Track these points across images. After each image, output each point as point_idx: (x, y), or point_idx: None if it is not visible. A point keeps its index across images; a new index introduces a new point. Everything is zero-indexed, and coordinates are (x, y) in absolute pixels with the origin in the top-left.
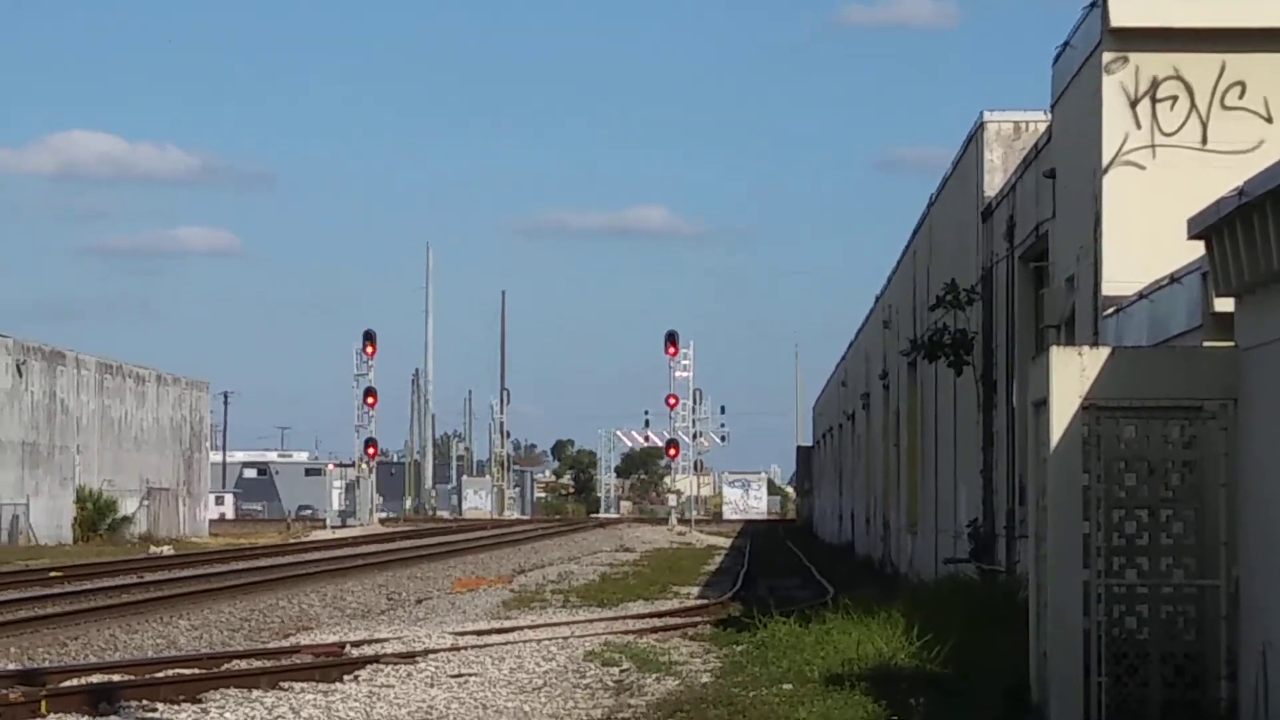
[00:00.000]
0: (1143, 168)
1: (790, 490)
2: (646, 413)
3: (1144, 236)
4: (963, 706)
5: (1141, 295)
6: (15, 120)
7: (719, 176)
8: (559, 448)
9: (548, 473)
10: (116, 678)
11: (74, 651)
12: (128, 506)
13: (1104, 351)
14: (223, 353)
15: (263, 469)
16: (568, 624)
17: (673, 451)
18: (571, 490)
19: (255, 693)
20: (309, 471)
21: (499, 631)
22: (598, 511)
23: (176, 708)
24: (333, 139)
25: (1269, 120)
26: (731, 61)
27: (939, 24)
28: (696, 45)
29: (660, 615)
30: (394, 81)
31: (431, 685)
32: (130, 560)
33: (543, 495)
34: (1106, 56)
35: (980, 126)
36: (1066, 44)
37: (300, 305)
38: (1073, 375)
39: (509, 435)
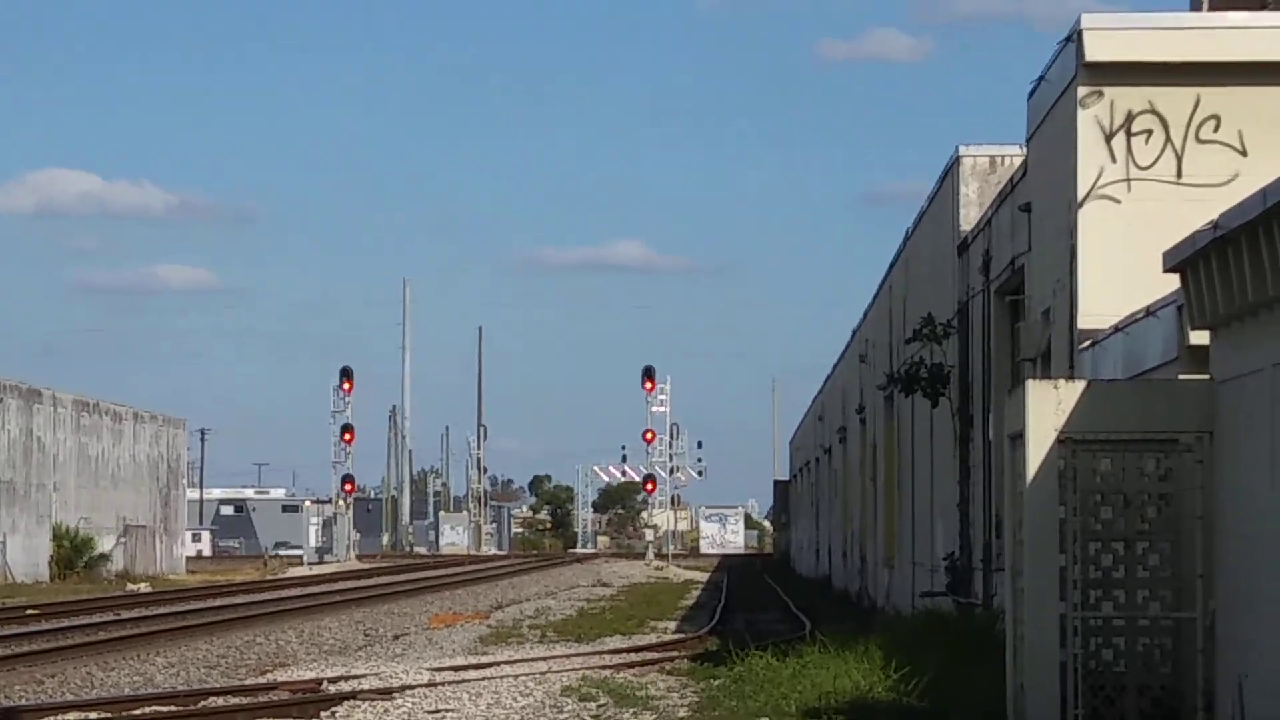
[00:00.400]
0: (1118, 201)
1: (767, 524)
2: (624, 448)
3: (1120, 270)
4: None
5: (1117, 328)
6: None
7: (698, 211)
8: (536, 483)
9: (525, 508)
10: (94, 716)
11: (51, 690)
12: (105, 544)
13: (1080, 385)
14: (200, 390)
15: (240, 506)
16: (545, 659)
17: (650, 486)
18: (549, 525)
19: None
20: (286, 508)
21: (476, 667)
22: (575, 546)
23: None
24: (311, 176)
25: (1244, 153)
26: (710, 97)
27: (914, 59)
28: (675, 81)
29: (638, 650)
30: (373, 118)
31: None
32: (107, 598)
33: (520, 530)
34: (1081, 91)
35: (956, 161)
36: (1042, 78)
37: (278, 342)
38: (1049, 408)
39: (486, 471)
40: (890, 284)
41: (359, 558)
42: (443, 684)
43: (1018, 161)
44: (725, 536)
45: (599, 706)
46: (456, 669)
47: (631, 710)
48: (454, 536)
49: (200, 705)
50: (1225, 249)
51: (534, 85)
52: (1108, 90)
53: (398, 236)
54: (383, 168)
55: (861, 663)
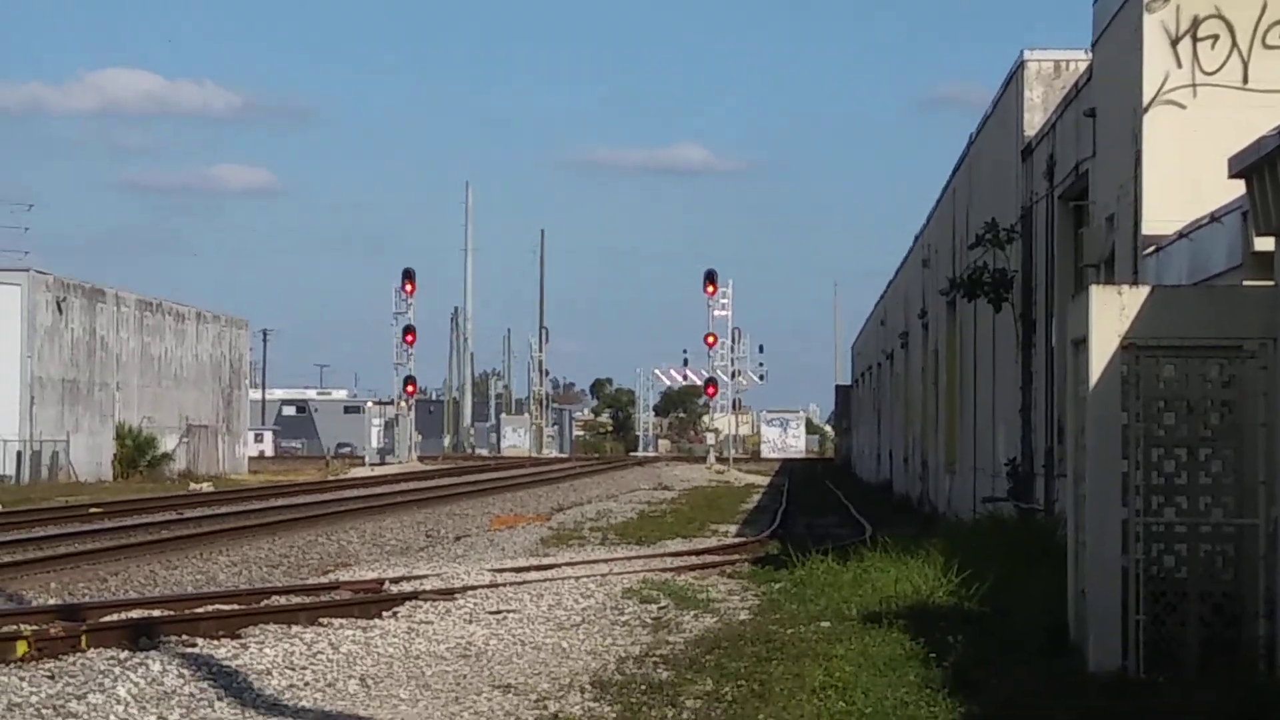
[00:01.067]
0: (1183, 107)
1: (828, 429)
2: (685, 351)
3: (1184, 176)
4: (1001, 644)
5: (1181, 234)
6: (53, 58)
7: (759, 114)
8: (597, 386)
9: (586, 411)
10: (156, 613)
11: (114, 587)
12: (167, 444)
13: (1143, 290)
14: (262, 291)
15: (302, 407)
16: (606, 561)
17: (711, 390)
18: (610, 429)
19: (294, 628)
20: (348, 409)
21: (537, 569)
22: (636, 450)
23: (216, 643)
24: (372, 76)
25: None
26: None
27: None
28: None
29: (698, 553)
30: (434, 18)
31: (470, 621)
32: (170, 497)
33: (581, 434)
34: None
35: (1020, 65)
36: None
37: (339, 243)
38: (1112, 314)
39: (548, 374)
40: (953, 188)
41: (420, 459)
42: (504, 585)
43: (1083, 66)
44: (786, 441)
45: (660, 609)
46: (518, 570)
47: (693, 613)
48: (515, 439)
49: (262, 604)
50: None
51: None
52: None
53: (458, 137)
54: (441, 69)
55: (922, 567)
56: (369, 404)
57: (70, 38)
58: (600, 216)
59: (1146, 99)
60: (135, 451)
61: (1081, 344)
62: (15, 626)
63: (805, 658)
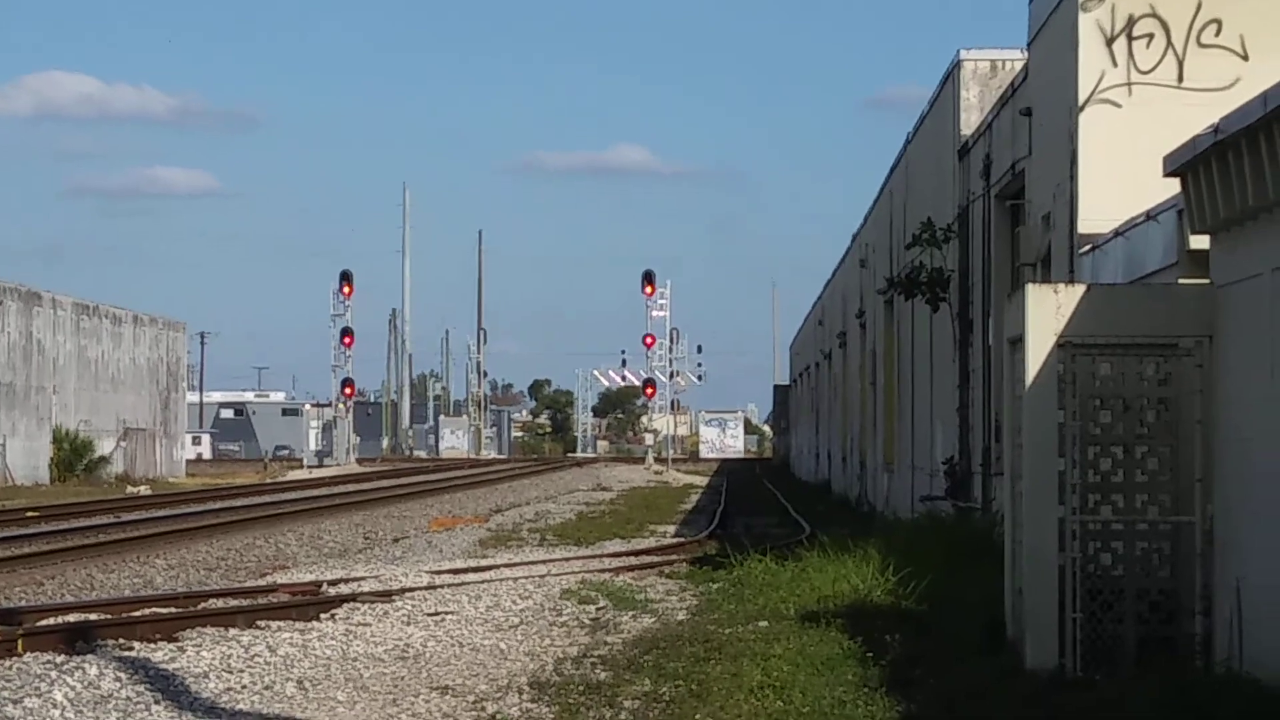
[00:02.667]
0: (1119, 105)
1: (767, 429)
2: (623, 352)
3: (1120, 174)
4: (938, 643)
5: (1117, 233)
6: None
7: (699, 115)
8: (536, 387)
9: (525, 412)
10: (93, 617)
11: (50, 591)
12: (104, 447)
13: (1080, 289)
14: (200, 293)
15: (240, 409)
16: (544, 562)
17: (650, 391)
18: (548, 430)
19: (232, 631)
20: (286, 411)
21: (475, 570)
22: (575, 451)
23: (153, 646)
24: (312, 79)
25: (1245, 58)
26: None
27: None
28: None
29: (637, 554)
30: (373, 21)
31: (408, 623)
32: (107, 500)
33: (520, 435)
34: None
35: (957, 65)
36: None
37: (278, 246)
38: (1048, 312)
39: (486, 375)
40: (891, 188)
41: (359, 461)
42: (442, 586)
43: (1019, 65)
44: (725, 441)
45: (598, 609)
46: (456, 572)
47: (631, 613)
48: (454, 440)
49: (200, 607)
50: (1226, 153)
51: None
52: None
53: (397, 140)
54: (381, 71)
55: (860, 566)
56: (307, 406)
57: (6, 40)
58: (539, 218)
59: (1082, 98)
60: (72, 455)
61: (1018, 343)
62: None
63: (743, 657)
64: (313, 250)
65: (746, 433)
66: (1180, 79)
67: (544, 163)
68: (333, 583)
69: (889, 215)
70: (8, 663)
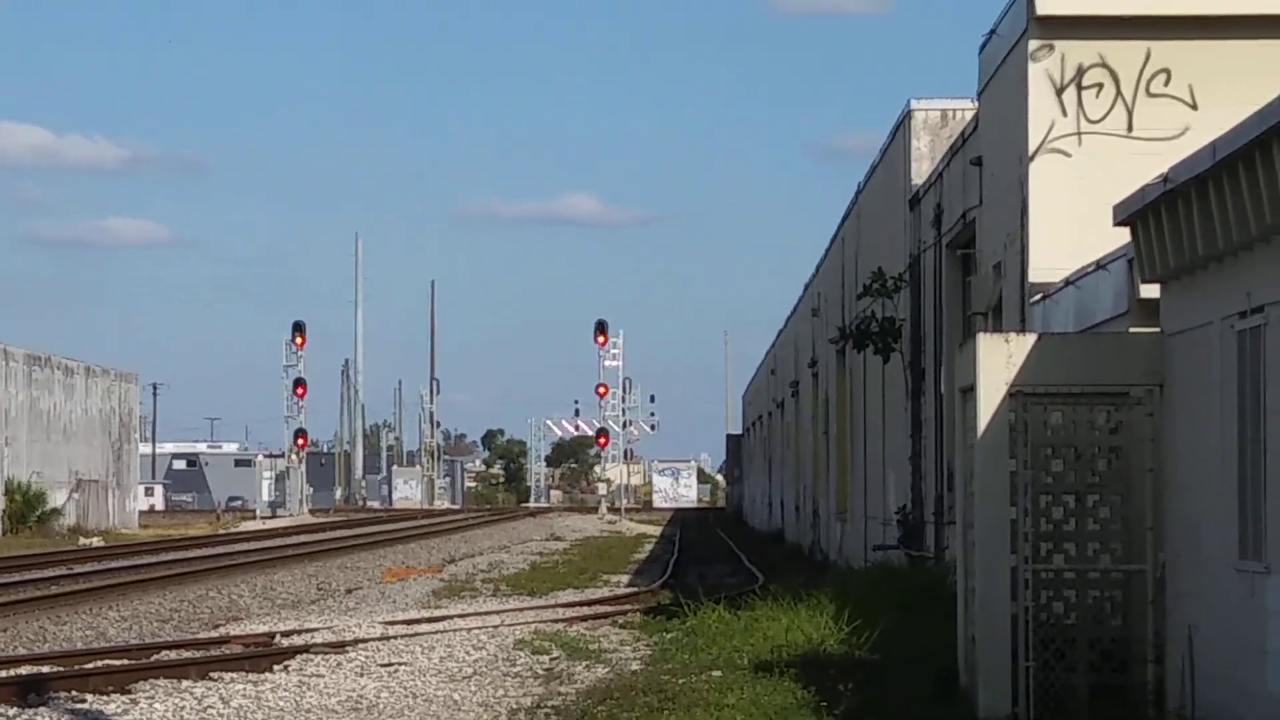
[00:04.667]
0: (1069, 155)
1: (720, 478)
2: (576, 401)
3: (1070, 223)
4: (892, 692)
5: (1068, 282)
6: None
7: (650, 163)
8: (489, 437)
9: (478, 462)
10: (46, 669)
11: (3, 643)
12: (57, 498)
13: (1031, 338)
14: (152, 343)
15: (192, 460)
16: (498, 613)
17: (603, 440)
18: (502, 480)
19: (185, 683)
20: (239, 462)
21: (429, 621)
22: (528, 501)
23: (106, 699)
24: (264, 129)
25: (1194, 107)
26: (665, 49)
27: (873, 11)
28: (626, 32)
29: (590, 604)
30: (324, 71)
31: (361, 674)
32: (59, 552)
33: (473, 485)
34: (1032, 44)
35: (907, 114)
36: (993, 32)
37: (230, 295)
38: (1000, 362)
39: (439, 425)
40: (842, 237)
41: (312, 512)
42: (396, 637)
43: (969, 115)
44: (678, 490)
45: (552, 659)
46: (409, 622)
47: (584, 663)
48: (407, 491)
49: (153, 659)
50: (1175, 202)
51: (483, 38)
52: (1058, 44)
53: (349, 189)
54: (332, 120)
55: (814, 615)
56: (260, 457)
57: None
58: (491, 267)
59: (1032, 147)
60: (24, 507)
61: (970, 391)
62: None
63: (697, 707)
64: (264, 300)
65: (700, 482)
66: (1130, 128)
67: (495, 211)
68: (286, 634)
69: (841, 264)
70: None
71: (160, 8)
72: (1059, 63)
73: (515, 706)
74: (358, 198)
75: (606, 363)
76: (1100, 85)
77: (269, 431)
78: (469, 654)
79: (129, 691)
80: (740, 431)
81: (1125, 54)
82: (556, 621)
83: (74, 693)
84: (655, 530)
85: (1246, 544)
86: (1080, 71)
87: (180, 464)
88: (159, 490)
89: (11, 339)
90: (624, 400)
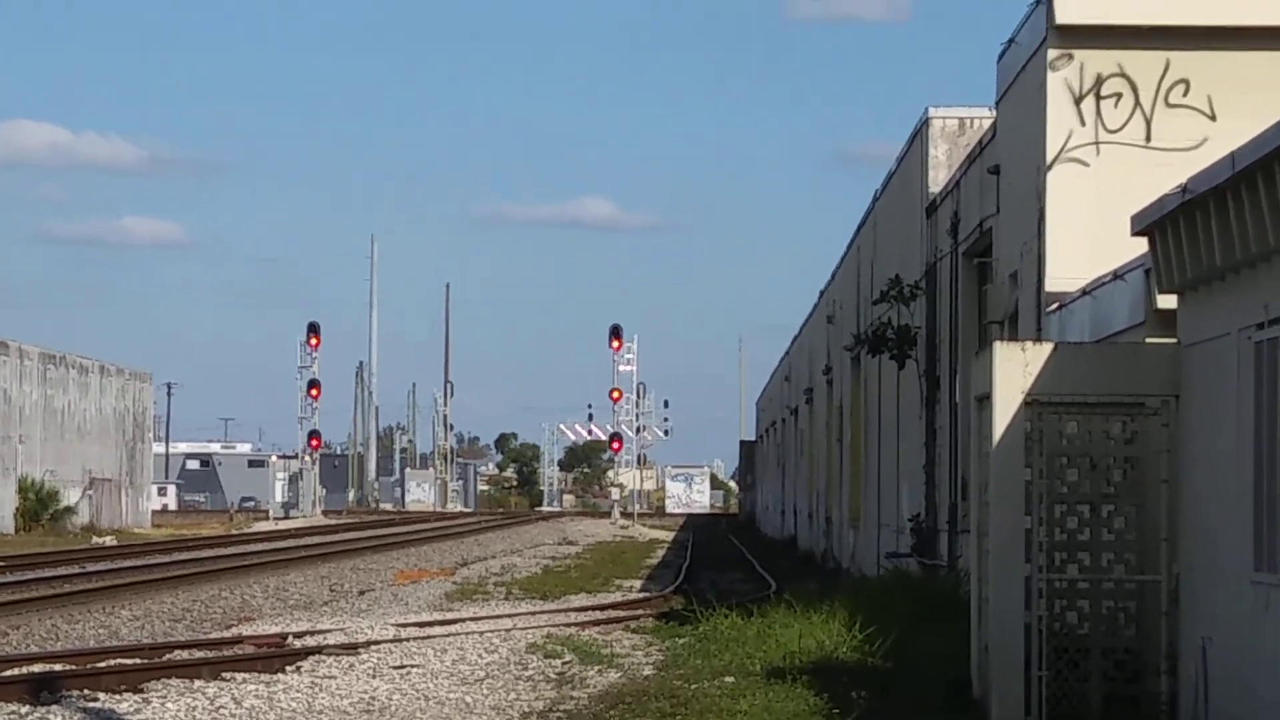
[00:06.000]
0: (1087, 164)
1: (733, 484)
2: (590, 406)
3: (1087, 233)
4: (904, 700)
5: (1085, 292)
6: None
7: (666, 168)
8: (502, 441)
9: (491, 465)
10: (58, 667)
11: (15, 641)
12: (70, 497)
13: (1047, 347)
14: (167, 343)
15: (206, 460)
16: (510, 616)
17: (616, 445)
18: (514, 483)
19: (197, 683)
20: (252, 463)
21: (441, 623)
22: (541, 505)
23: (118, 697)
24: (280, 130)
25: (1212, 118)
26: (681, 54)
27: (891, 18)
28: (644, 36)
29: (603, 608)
30: (340, 73)
31: (374, 676)
32: (72, 551)
33: (486, 488)
34: (1051, 53)
35: (925, 122)
36: (1012, 40)
37: (245, 296)
38: (1016, 371)
39: (452, 428)
40: (858, 245)
41: (324, 513)
42: (408, 640)
43: (987, 124)
44: (691, 496)
45: (564, 664)
46: (422, 625)
47: (596, 668)
48: (420, 493)
49: (165, 658)
50: (1193, 213)
51: (499, 41)
52: (1077, 53)
53: (364, 191)
54: (350, 122)
55: (826, 623)
56: (273, 458)
57: None
58: (506, 271)
59: (1050, 156)
60: (38, 505)
61: (985, 400)
62: None
63: (709, 713)
64: (279, 300)
65: (713, 488)
66: (1148, 138)
67: (510, 214)
68: (298, 635)
69: (856, 271)
70: None
71: (178, 8)
72: (1078, 72)
73: (527, 710)
74: (373, 200)
75: (621, 367)
76: (1119, 95)
77: (283, 433)
78: (481, 657)
79: (141, 691)
80: (754, 438)
81: (1144, 64)
82: (569, 625)
83: (86, 691)
84: (668, 536)
85: (1262, 556)
86: (1099, 81)
87: (194, 464)
88: (172, 490)
89: (26, 337)
90: (638, 405)
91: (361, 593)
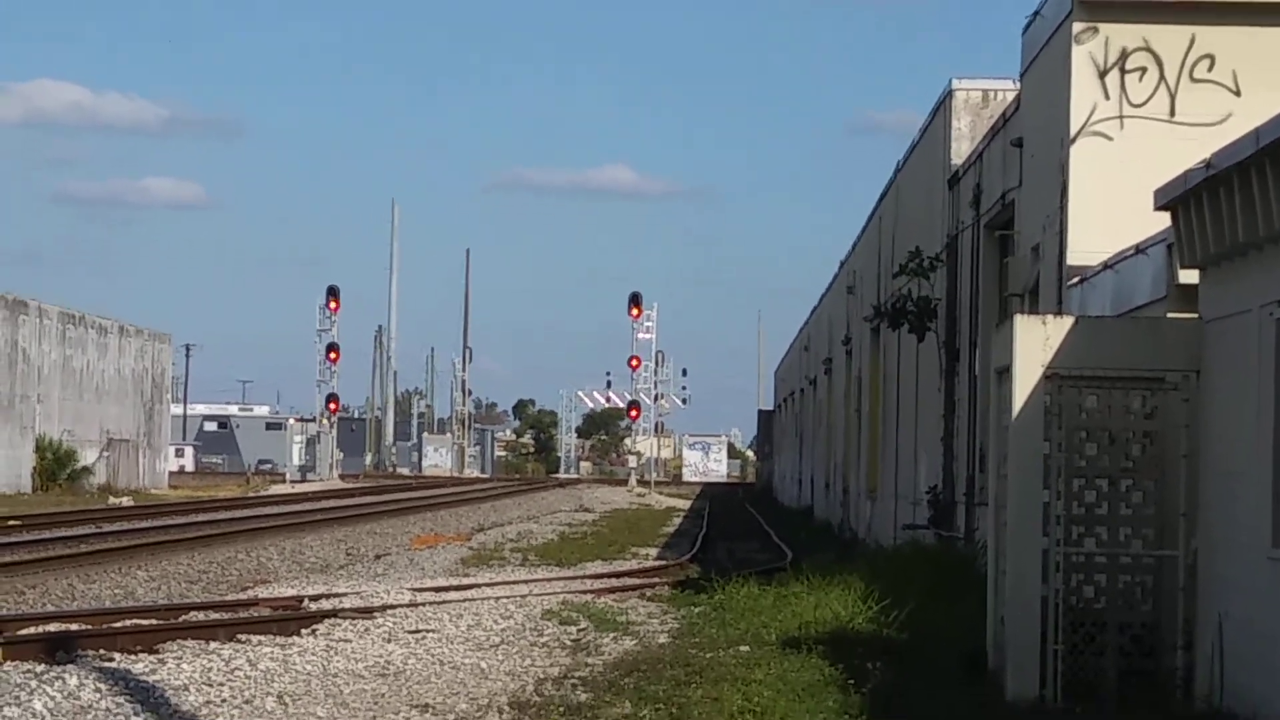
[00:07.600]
0: (1110, 138)
1: (750, 454)
2: (608, 373)
3: (1110, 207)
4: (919, 671)
5: (1106, 265)
6: None
7: (686, 136)
8: (520, 407)
9: (508, 431)
10: (74, 627)
11: (31, 600)
12: (87, 457)
13: (1068, 321)
14: (186, 305)
15: (223, 422)
16: (526, 582)
17: (634, 413)
18: (532, 450)
19: (213, 644)
20: (270, 426)
21: (457, 589)
22: (558, 471)
23: (134, 658)
24: (302, 92)
25: (1237, 93)
26: (701, 20)
27: None
28: (666, 3)
29: (618, 575)
30: (363, 36)
31: (389, 640)
32: (89, 511)
33: (503, 454)
34: (1076, 26)
35: (949, 94)
36: (1037, 13)
37: (264, 259)
38: (1036, 344)
39: (470, 393)
40: (879, 216)
41: (342, 477)
42: (424, 604)
43: (1011, 96)
44: (708, 465)
45: (579, 630)
46: (438, 590)
47: (612, 635)
48: (437, 458)
49: (181, 619)
50: (1216, 188)
51: (523, 6)
52: (1103, 27)
53: (385, 155)
54: (372, 86)
55: (842, 593)
56: (291, 421)
57: None
58: (526, 237)
59: (1074, 130)
60: (55, 464)
61: (1005, 373)
62: None
63: (724, 682)
64: (299, 263)
65: (730, 457)
66: (1172, 113)
67: (529, 180)
68: (314, 598)
69: (877, 242)
70: None
71: None
72: (1103, 46)
73: (542, 676)
74: (395, 165)
75: (640, 335)
76: (1144, 69)
77: (301, 396)
78: (497, 623)
79: (157, 651)
80: (771, 407)
81: (1169, 38)
82: (584, 593)
83: (102, 651)
84: (684, 504)
85: None
86: (1124, 55)
87: (211, 426)
88: (189, 451)
89: (45, 297)
90: (656, 373)
91: (377, 557)
